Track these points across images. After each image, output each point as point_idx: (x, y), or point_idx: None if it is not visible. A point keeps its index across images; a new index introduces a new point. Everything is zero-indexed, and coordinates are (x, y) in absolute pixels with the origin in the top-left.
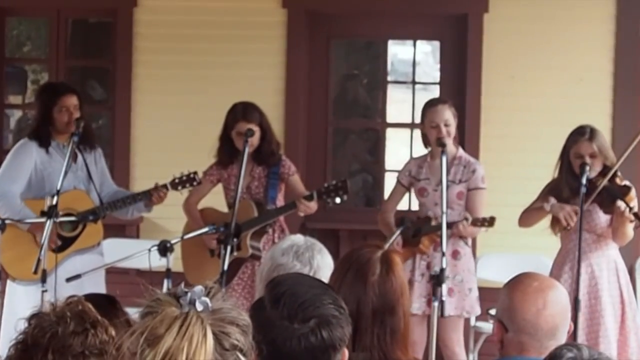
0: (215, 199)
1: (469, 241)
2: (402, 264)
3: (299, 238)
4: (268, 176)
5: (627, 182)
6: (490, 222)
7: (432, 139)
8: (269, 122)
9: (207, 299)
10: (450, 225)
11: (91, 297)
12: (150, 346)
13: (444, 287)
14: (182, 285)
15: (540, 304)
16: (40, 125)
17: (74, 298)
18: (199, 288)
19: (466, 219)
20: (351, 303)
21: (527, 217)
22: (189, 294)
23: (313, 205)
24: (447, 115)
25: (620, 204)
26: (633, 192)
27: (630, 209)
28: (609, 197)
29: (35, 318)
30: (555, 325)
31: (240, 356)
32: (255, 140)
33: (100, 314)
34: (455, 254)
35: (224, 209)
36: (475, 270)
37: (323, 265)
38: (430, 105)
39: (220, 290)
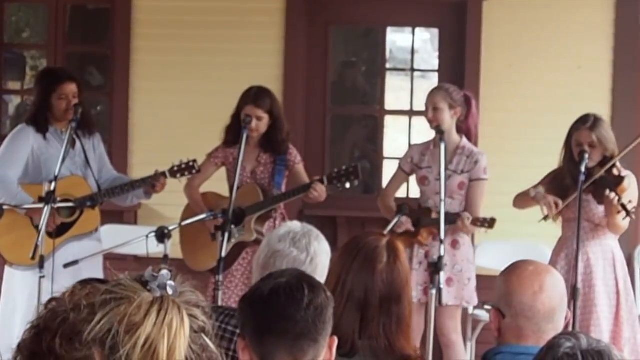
0: (218, 186)
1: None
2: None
3: (295, 225)
4: (275, 162)
5: (627, 173)
6: (490, 223)
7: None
8: (281, 110)
9: (174, 283)
10: (449, 220)
11: (86, 283)
12: (127, 333)
13: (442, 275)
14: (150, 269)
15: (536, 286)
16: (38, 110)
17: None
18: (165, 272)
19: (467, 217)
20: (359, 291)
21: (518, 201)
22: (158, 278)
23: (323, 191)
24: (436, 100)
25: (610, 193)
26: (627, 183)
27: (619, 199)
28: (602, 187)
29: (51, 302)
30: (552, 308)
31: (206, 338)
32: (262, 126)
33: None
34: (454, 244)
35: (227, 194)
36: (474, 259)
37: (320, 252)
38: (432, 88)
39: (179, 274)
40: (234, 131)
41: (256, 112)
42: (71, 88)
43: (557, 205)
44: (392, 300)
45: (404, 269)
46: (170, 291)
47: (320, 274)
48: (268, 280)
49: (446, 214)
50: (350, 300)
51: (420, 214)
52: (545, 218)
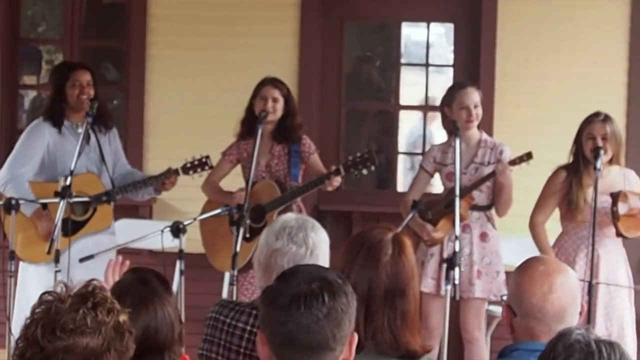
0: (234, 180)
1: (496, 224)
2: (412, 247)
3: (289, 218)
4: (289, 154)
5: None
6: (528, 155)
7: (461, 121)
8: (295, 101)
9: None
10: (487, 179)
11: (149, 272)
12: None
13: (457, 271)
14: None
15: (546, 287)
16: (53, 102)
17: (92, 282)
18: None
19: (503, 164)
20: (363, 284)
21: (534, 238)
22: None
23: (339, 182)
24: (477, 98)
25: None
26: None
27: None
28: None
29: (42, 296)
30: (562, 308)
31: None
32: (278, 109)
33: (150, 291)
34: (483, 236)
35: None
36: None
37: (318, 242)
38: (460, 87)
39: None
40: (249, 124)
41: (273, 92)
42: (85, 76)
43: None
44: (397, 295)
45: (410, 263)
46: None
47: (322, 264)
48: (289, 285)
49: (481, 178)
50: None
51: (451, 195)
52: None
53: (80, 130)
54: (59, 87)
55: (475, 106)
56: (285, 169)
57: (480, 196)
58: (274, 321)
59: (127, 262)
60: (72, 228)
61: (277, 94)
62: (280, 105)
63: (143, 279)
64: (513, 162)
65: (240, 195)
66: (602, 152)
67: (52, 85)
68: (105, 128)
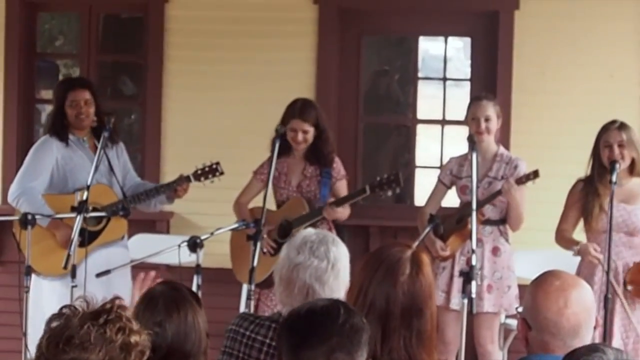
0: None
1: (510, 238)
2: (431, 264)
3: (310, 232)
4: (321, 174)
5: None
6: (535, 173)
7: (472, 133)
8: (326, 121)
9: None
10: (494, 196)
11: (180, 284)
12: None
13: (474, 285)
14: None
15: (561, 302)
16: (55, 119)
17: (115, 300)
18: None
19: (510, 182)
20: (380, 300)
21: (561, 244)
22: None
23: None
24: (489, 112)
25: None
26: None
27: None
28: None
29: (61, 310)
30: (577, 324)
31: None
32: (309, 138)
33: (182, 296)
34: (495, 251)
35: (274, 208)
36: (514, 267)
37: (339, 257)
38: (475, 99)
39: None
40: (280, 143)
41: (302, 125)
42: (82, 95)
43: (595, 249)
44: (413, 314)
45: (427, 282)
46: None
47: (343, 278)
48: (304, 305)
49: (490, 195)
50: (371, 311)
51: (464, 210)
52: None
53: (87, 144)
54: (59, 106)
55: (487, 119)
56: (316, 190)
57: (493, 210)
58: (290, 333)
59: (160, 280)
60: (87, 238)
61: (306, 126)
62: (310, 135)
63: (175, 287)
64: (520, 181)
65: (270, 215)
66: (617, 166)
67: (54, 104)
68: (111, 143)
